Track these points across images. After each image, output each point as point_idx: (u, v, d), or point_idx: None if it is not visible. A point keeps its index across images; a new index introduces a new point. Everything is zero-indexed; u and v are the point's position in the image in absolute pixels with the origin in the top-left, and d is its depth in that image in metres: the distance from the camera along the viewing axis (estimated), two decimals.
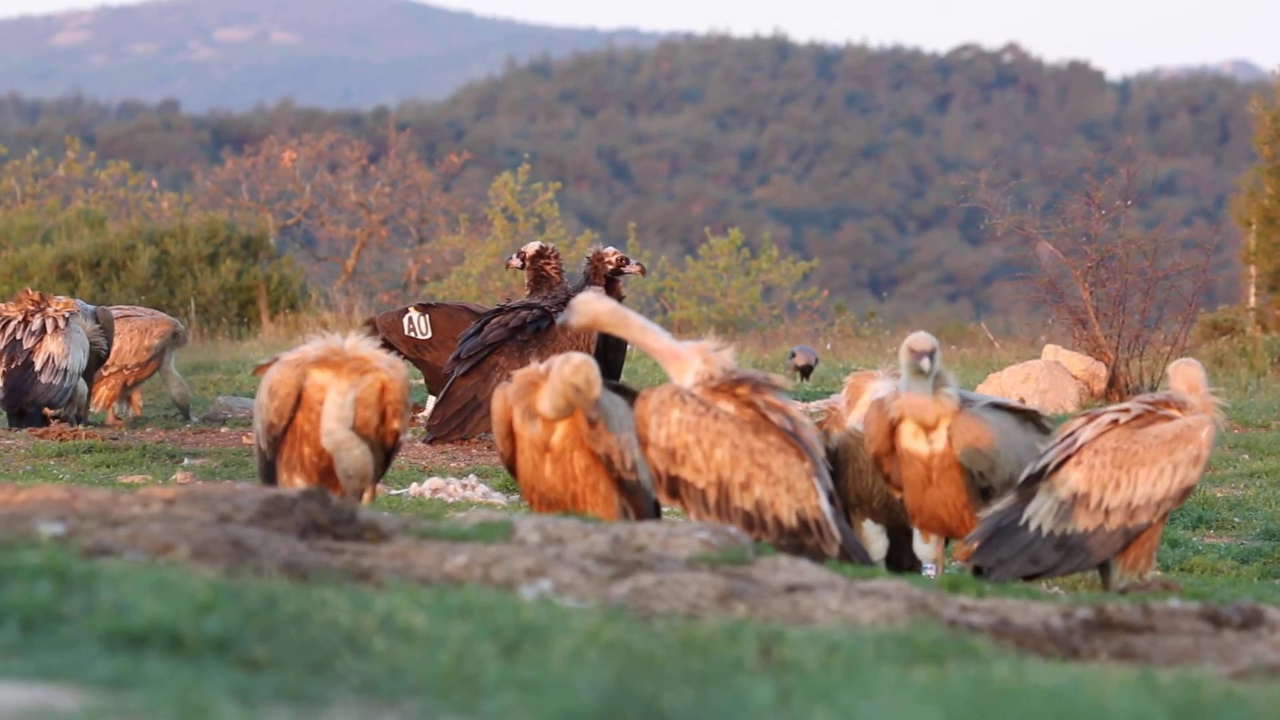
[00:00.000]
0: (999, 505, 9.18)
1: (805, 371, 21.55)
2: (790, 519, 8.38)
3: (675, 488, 8.37)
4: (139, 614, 5.03)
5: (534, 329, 15.72)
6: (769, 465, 8.38)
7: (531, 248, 16.25)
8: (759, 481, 8.38)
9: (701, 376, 8.45)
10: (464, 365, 15.65)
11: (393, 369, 8.88)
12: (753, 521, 8.36)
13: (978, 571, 9.07)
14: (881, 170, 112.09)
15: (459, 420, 15.65)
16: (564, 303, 15.87)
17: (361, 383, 8.81)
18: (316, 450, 8.87)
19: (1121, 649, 6.22)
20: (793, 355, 21.86)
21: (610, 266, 16.17)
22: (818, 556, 8.36)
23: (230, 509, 6.85)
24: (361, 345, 8.88)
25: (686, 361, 8.45)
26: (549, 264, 16.12)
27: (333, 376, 8.81)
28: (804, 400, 19.06)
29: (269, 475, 8.99)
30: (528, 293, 16.16)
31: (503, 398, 8.87)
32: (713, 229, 39.40)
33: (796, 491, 8.41)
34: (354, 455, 8.72)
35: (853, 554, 8.49)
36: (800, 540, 8.40)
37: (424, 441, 15.78)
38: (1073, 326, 20.38)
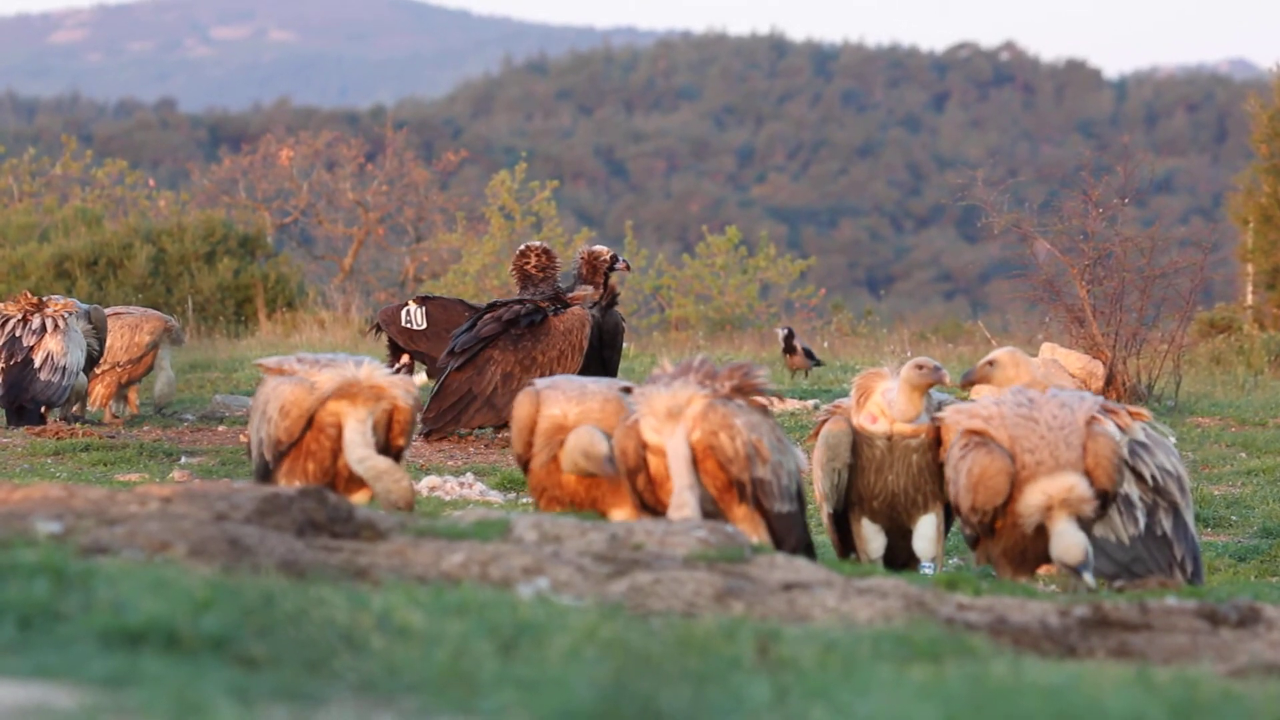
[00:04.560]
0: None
1: (797, 350, 21.16)
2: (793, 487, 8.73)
3: (756, 492, 8.45)
4: (136, 612, 5.03)
5: (528, 322, 15.84)
6: (782, 440, 8.68)
7: (521, 248, 16.43)
8: (786, 454, 8.61)
9: (708, 393, 8.49)
10: (458, 359, 15.80)
11: (406, 395, 8.88)
12: (790, 497, 8.62)
13: None
14: (878, 168, 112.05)
15: (454, 414, 15.78)
16: (554, 298, 16.03)
17: (377, 409, 8.82)
18: (321, 468, 8.85)
19: (1118, 647, 6.21)
20: (786, 345, 21.42)
21: (605, 264, 16.35)
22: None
23: (227, 507, 6.85)
24: (375, 374, 8.86)
25: (681, 403, 8.44)
26: (526, 262, 16.18)
27: (349, 405, 8.80)
28: (800, 399, 19.12)
29: (265, 477, 8.96)
30: (518, 291, 16.29)
31: (531, 401, 8.84)
32: (710, 227, 39.42)
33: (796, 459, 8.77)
34: (402, 487, 8.72)
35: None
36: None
37: (420, 435, 15.86)
38: (1070, 325, 20.36)
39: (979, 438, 8.63)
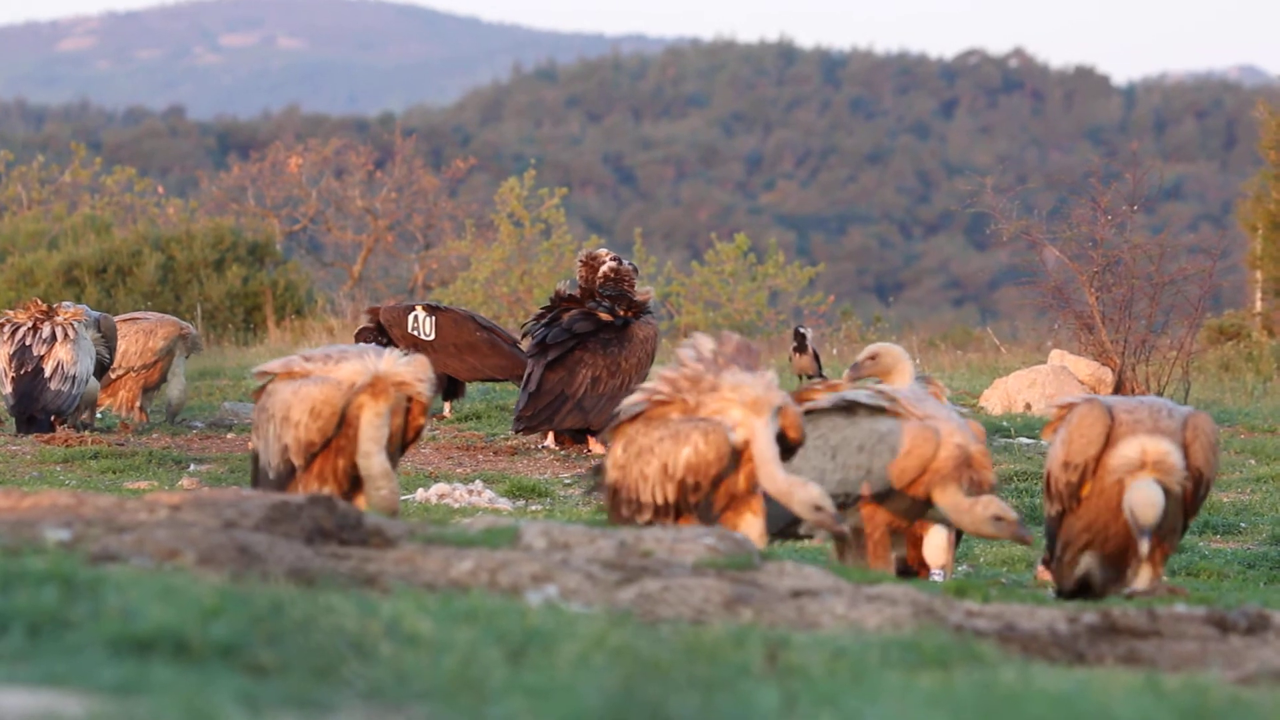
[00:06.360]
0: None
1: (808, 349, 20.96)
2: None
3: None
4: (145, 620, 5.03)
5: (622, 323, 16.13)
6: None
7: (597, 262, 16.51)
8: None
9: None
10: (550, 354, 15.94)
11: (425, 385, 8.85)
12: None
13: None
14: (887, 175, 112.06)
15: (549, 413, 15.94)
16: (622, 298, 16.23)
17: (396, 400, 8.81)
18: (351, 462, 8.84)
19: (1127, 654, 6.21)
20: (799, 344, 21.14)
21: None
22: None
23: (236, 515, 6.86)
24: (397, 366, 8.83)
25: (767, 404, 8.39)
26: (593, 273, 16.39)
27: (370, 398, 8.79)
28: None
29: (284, 484, 8.87)
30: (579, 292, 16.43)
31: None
32: (719, 234, 39.42)
33: None
34: (382, 495, 8.72)
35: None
36: None
37: (514, 430, 16.12)
38: (1079, 331, 20.36)
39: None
